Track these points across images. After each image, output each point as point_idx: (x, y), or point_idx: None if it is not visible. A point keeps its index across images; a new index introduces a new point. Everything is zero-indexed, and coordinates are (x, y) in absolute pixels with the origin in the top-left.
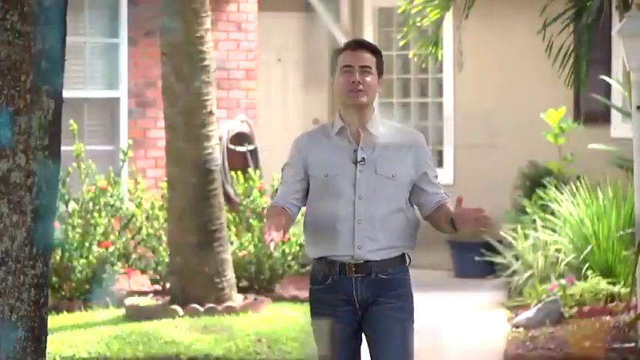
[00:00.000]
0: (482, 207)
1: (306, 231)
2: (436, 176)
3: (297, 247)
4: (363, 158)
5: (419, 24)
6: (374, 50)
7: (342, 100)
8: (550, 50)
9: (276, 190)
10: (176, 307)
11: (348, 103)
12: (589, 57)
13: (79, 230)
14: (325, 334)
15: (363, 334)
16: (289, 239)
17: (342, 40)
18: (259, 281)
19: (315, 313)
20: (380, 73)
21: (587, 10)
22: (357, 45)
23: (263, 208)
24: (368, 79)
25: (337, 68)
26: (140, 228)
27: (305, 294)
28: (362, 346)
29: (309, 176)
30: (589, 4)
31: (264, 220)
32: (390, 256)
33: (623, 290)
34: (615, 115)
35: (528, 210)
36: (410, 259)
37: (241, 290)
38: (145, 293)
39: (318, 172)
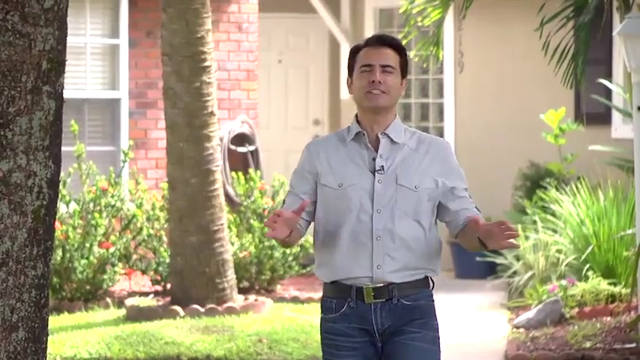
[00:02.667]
0: (482, 208)
1: (316, 250)
2: (465, 189)
3: (298, 248)
4: (382, 167)
5: (420, 24)
6: (397, 47)
7: (359, 102)
8: (547, 49)
9: (284, 201)
10: (177, 307)
11: (365, 105)
12: (586, 56)
13: (79, 231)
14: None
15: None
16: None
17: (343, 40)
18: (260, 282)
19: (327, 346)
20: (404, 73)
21: (585, 8)
22: (379, 41)
23: (264, 209)
24: (390, 79)
25: (355, 67)
26: (141, 229)
27: (306, 294)
28: None
29: (320, 186)
30: (588, 2)
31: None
32: (412, 278)
33: (624, 291)
34: (616, 116)
35: (529, 211)
36: (433, 283)
37: (242, 291)
38: (145, 294)
39: (330, 182)
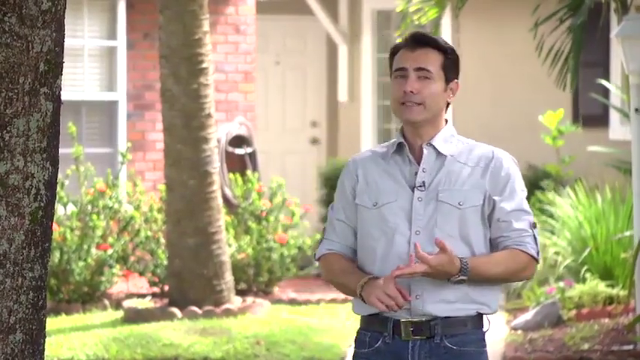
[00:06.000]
0: None
1: None
2: (518, 210)
3: (296, 250)
4: (424, 182)
5: (417, 23)
6: (439, 46)
7: (395, 114)
8: (541, 50)
9: (323, 230)
10: (174, 309)
11: (401, 118)
12: (578, 57)
13: (77, 233)
14: None
15: None
16: (288, 242)
17: (341, 42)
18: (258, 284)
19: None
20: (450, 76)
21: (579, 10)
22: (415, 41)
23: (261, 211)
24: (427, 87)
25: (391, 72)
26: (138, 230)
27: (304, 296)
28: None
29: (357, 207)
30: (582, 4)
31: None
32: (460, 313)
33: (622, 293)
34: (613, 118)
35: None
36: (489, 322)
37: (240, 293)
38: (143, 296)
39: (365, 201)
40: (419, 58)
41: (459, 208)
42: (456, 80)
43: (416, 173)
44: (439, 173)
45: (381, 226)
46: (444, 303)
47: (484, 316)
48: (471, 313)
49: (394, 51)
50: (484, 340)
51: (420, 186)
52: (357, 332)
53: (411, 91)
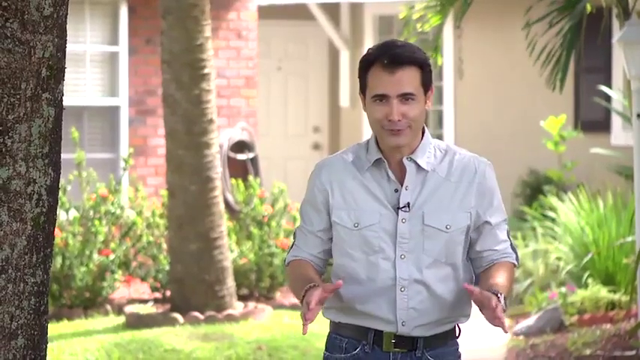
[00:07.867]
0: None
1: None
2: (502, 222)
3: None
4: (408, 203)
5: (420, 30)
6: (418, 63)
7: (376, 133)
8: (532, 51)
9: (294, 234)
10: (176, 315)
11: (384, 142)
12: (568, 59)
13: (79, 238)
14: None
15: None
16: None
17: (343, 48)
18: (260, 289)
19: None
20: (427, 88)
21: (571, 13)
22: (394, 62)
23: (263, 216)
24: (412, 110)
25: (366, 89)
26: (140, 236)
27: None
28: None
29: (333, 223)
30: (575, 7)
31: (294, 287)
32: (441, 330)
33: (624, 298)
34: (615, 123)
35: (528, 218)
36: (460, 330)
37: (242, 298)
38: (145, 301)
39: (344, 220)
40: (401, 83)
41: (446, 232)
42: (431, 89)
43: (396, 190)
44: (423, 191)
45: (363, 249)
46: (430, 325)
47: (457, 325)
48: (450, 328)
49: (366, 65)
50: (458, 348)
51: (404, 207)
52: (329, 336)
53: (398, 119)
